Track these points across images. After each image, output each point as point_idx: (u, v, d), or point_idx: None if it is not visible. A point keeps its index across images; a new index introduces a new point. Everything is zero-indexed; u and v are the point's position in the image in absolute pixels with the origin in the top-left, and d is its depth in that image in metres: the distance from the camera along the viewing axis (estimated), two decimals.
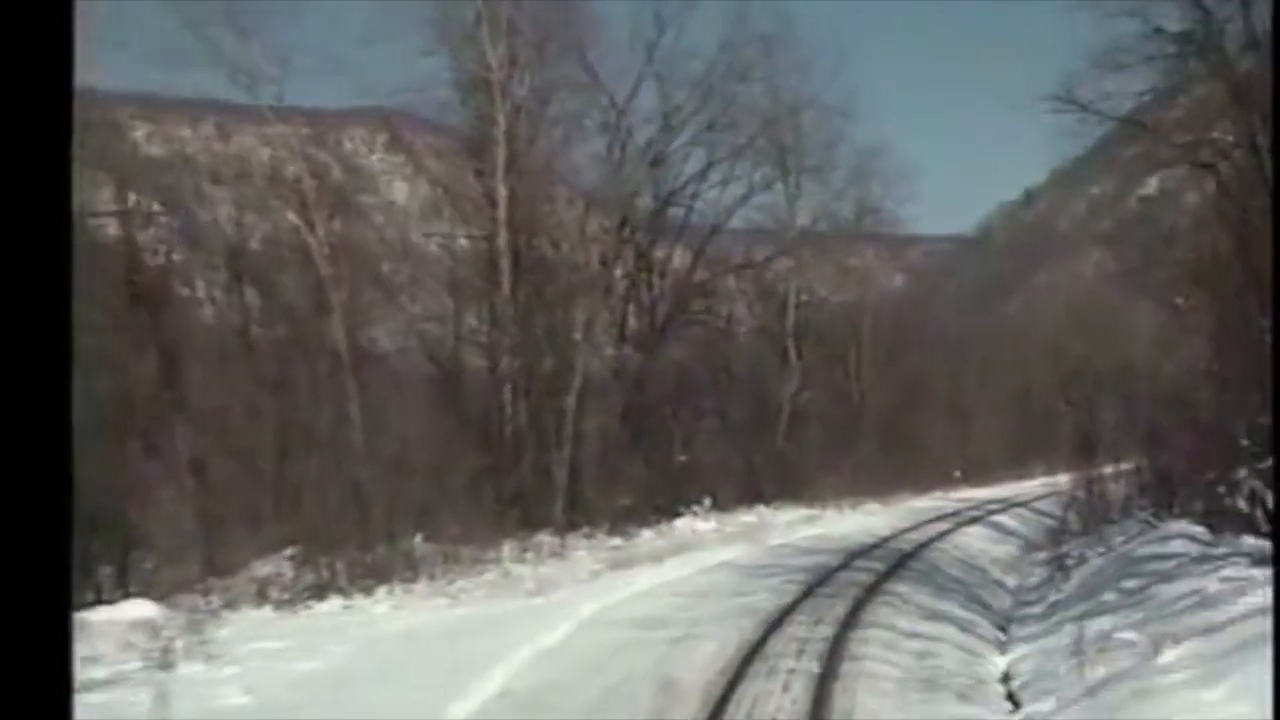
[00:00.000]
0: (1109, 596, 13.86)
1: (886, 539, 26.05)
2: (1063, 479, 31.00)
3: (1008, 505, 32.95)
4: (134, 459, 23.98)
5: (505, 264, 30.77)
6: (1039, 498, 34.20)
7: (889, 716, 10.29)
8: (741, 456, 38.07)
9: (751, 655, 12.83)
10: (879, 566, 20.87)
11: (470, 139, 33.62)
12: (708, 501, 32.56)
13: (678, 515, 31.00)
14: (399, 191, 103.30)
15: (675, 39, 35.94)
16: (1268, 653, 8.65)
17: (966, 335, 63.18)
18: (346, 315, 30.40)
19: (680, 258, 39.58)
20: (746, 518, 32.11)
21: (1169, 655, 10.04)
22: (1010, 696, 11.45)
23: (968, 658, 13.20)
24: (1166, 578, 13.04)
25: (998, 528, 28.84)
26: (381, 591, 19.90)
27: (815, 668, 12.08)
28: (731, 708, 10.50)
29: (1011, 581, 20.49)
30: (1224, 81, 20.91)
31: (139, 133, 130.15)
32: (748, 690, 11.20)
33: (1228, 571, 12.06)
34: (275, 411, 27.54)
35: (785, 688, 11.27)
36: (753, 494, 35.72)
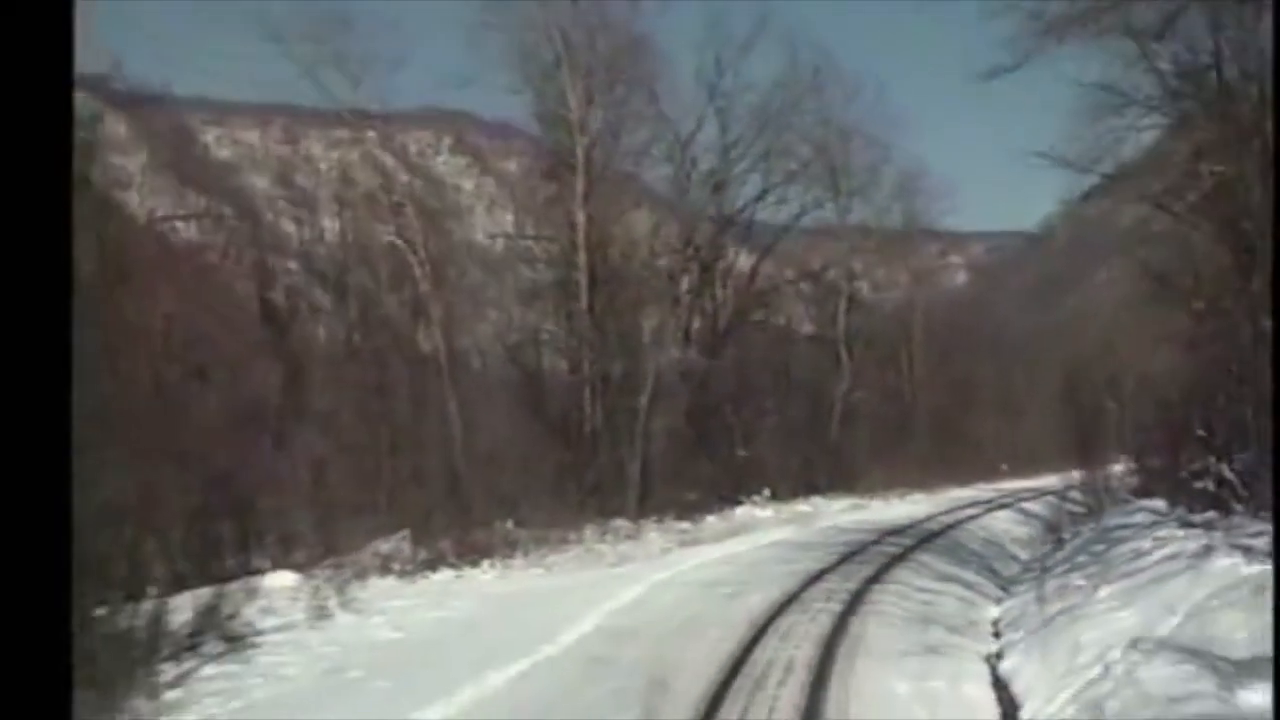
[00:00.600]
0: (1081, 558, 17.35)
1: (921, 521, 29.46)
2: (1105, 472, 33.88)
3: (1040, 494, 35.97)
4: (265, 455, 28.01)
5: (583, 280, 34.53)
6: (1072, 488, 37.08)
7: (892, 642, 13.79)
8: (798, 451, 41.58)
9: (789, 601, 16.54)
10: (908, 542, 24.47)
11: (550, 166, 37.51)
12: (766, 492, 36.16)
13: (739, 504, 34.58)
14: (469, 196, 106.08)
15: (734, 78, 40.02)
16: (1172, 584, 12.13)
17: (1023, 332, 65.96)
18: (444, 323, 34.10)
19: (742, 266, 43.30)
20: (801, 506, 35.64)
21: (1103, 592, 13.48)
22: (995, 633, 14.88)
23: (966, 607, 16.67)
24: (1120, 540, 16.47)
25: (1026, 513, 31.96)
26: (485, 564, 23.59)
27: (838, 608, 15.73)
28: (770, 631, 14.19)
29: (1024, 555, 23.81)
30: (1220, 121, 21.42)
31: (209, 136, 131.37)
32: (784, 621, 14.97)
33: (1161, 533, 15.43)
34: (381, 413, 31.53)
35: (813, 619, 14.96)
36: (808, 486, 39.22)
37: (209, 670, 13.41)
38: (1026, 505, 34.03)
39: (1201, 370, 21.35)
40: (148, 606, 14.12)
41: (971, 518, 30.58)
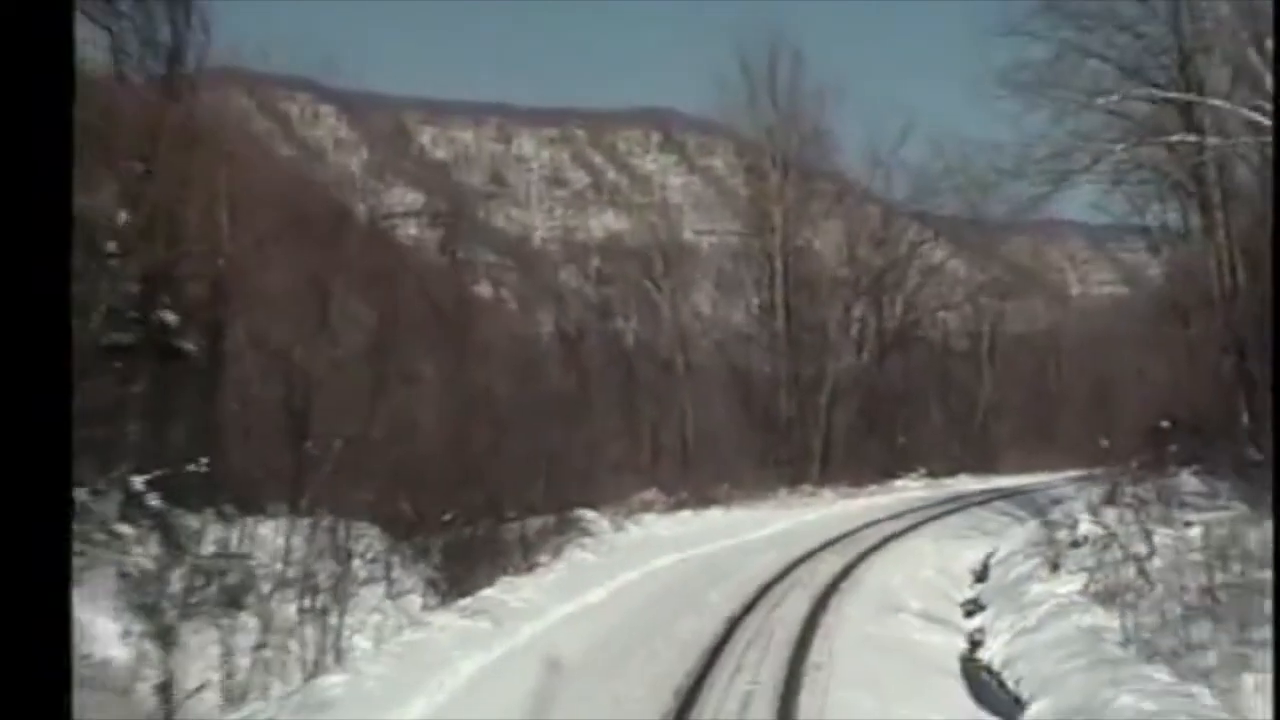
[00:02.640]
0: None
1: (1027, 489, 40.91)
2: None
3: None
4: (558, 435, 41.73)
5: (780, 321, 47.58)
6: None
7: (950, 532, 26.37)
8: (949, 440, 54.00)
9: (902, 516, 29.44)
10: (1002, 498, 36.40)
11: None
12: (921, 470, 48.63)
13: (897, 478, 47.12)
14: (676, 193, 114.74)
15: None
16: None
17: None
18: (680, 320, 47.32)
19: (908, 290, 55.50)
20: (946, 480, 47.93)
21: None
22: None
23: (1001, 527, 28.68)
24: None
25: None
26: (713, 508, 36.59)
27: (923, 519, 28.61)
28: (879, 525, 27.28)
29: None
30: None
31: (425, 136, 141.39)
32: (891, 524, 27.87)
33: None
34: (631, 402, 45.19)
35: (909, 524, 27.84)
36: (956, 467, 51.40)
37: (570, 550, 26.40)
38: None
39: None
40: (534, 522, 27.49)
41: (1050, 485, 41.27)
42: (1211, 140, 23.45)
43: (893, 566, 22.56)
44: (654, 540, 27.86)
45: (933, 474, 48.82)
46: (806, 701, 12.02)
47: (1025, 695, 12.26)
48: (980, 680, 13.62)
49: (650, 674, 13.31)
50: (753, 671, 13.43)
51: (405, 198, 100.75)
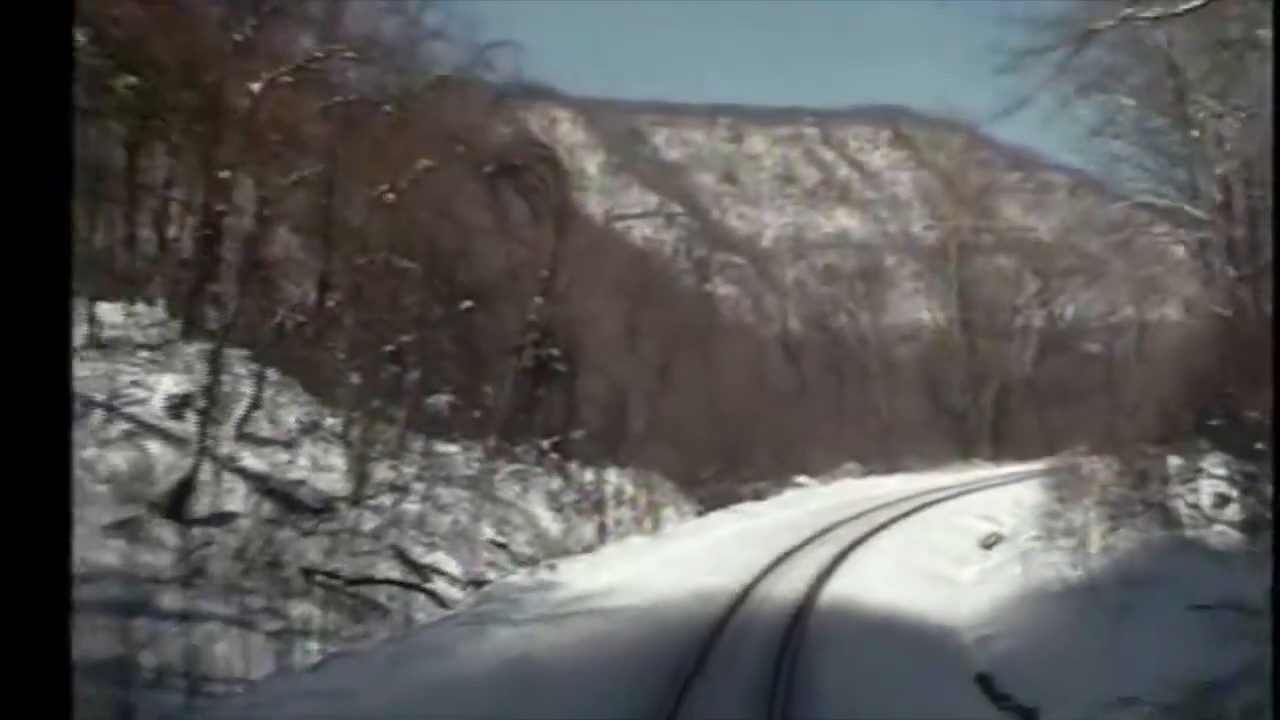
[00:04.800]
0: None
1: None
2: None
3: None
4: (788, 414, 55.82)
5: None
6: None
7: None
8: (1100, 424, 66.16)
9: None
10: None
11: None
12: (1075, 448, 61.09)
13: (1054, 456, 59.69)
14: (906, 188, 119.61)
15: None
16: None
17: None
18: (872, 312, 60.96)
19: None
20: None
21: None
22: None
23: None
24: None
25: None
26: (898, 475, 49.82)
27: None
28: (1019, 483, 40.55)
29: None
30: None
31: (658, 137, 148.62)
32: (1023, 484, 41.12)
33: None
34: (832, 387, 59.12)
35: None
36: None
37: (777, 494, 40.32)
38: None
39: None
40: (761, 483, 41.62)
41: None
42: None
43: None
44: (840, 490, 41.51)
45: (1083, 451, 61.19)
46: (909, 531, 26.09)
47: None
48: None
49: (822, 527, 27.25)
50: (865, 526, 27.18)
51: (642, 199, 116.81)
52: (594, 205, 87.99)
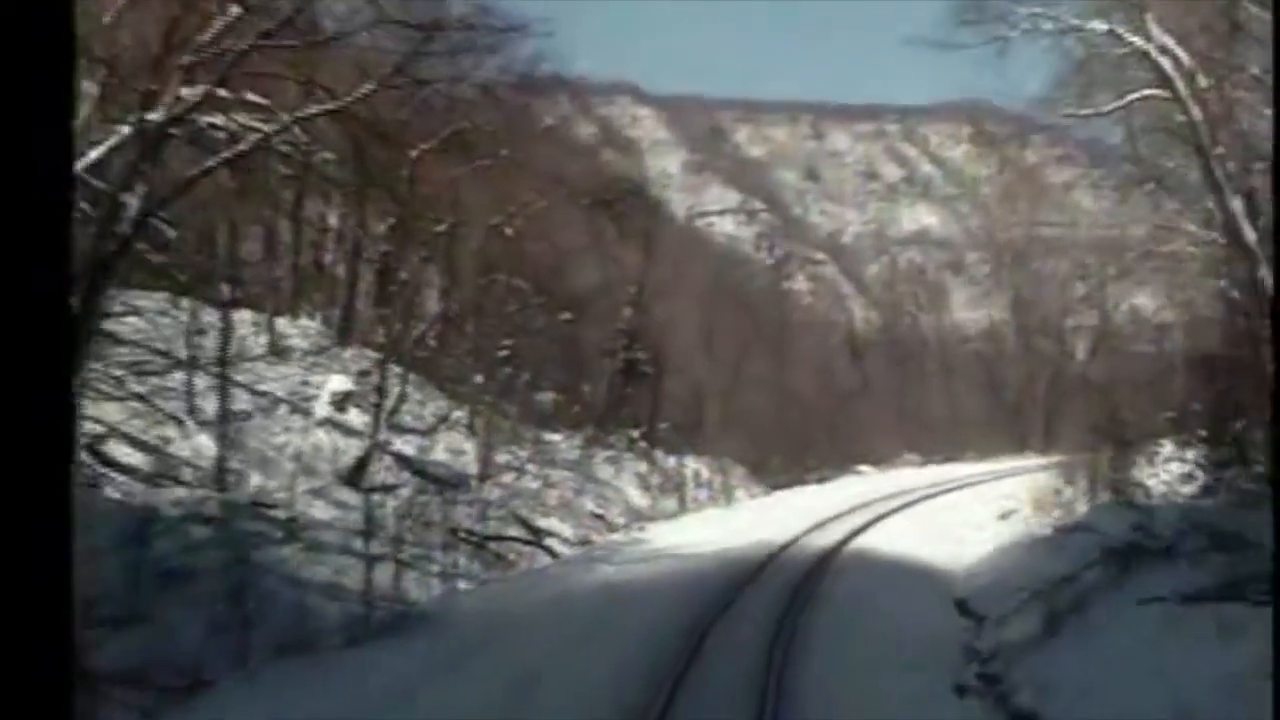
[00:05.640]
0: None
1: None
2: None
3: None
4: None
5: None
6: None
7: None
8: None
9: None
10: None
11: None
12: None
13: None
14: (987, 185, 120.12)
15: None
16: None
17: None
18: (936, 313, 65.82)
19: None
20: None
21: None
22: None
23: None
24: None
25: None
26: (954, 464, 54.76)
27: None
28: None
29: None
30: None
31: (740, 135, 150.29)
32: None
33: None
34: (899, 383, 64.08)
35: None
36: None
37: (838, 479, 45.50)
38: None
39: None
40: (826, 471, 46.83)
41: None
42: None
43: None
44: (896, 478, 46.57)
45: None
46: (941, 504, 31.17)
47: None
48: None
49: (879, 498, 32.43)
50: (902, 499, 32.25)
51: (723, 196, 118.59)
52: (676, 203, 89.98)
